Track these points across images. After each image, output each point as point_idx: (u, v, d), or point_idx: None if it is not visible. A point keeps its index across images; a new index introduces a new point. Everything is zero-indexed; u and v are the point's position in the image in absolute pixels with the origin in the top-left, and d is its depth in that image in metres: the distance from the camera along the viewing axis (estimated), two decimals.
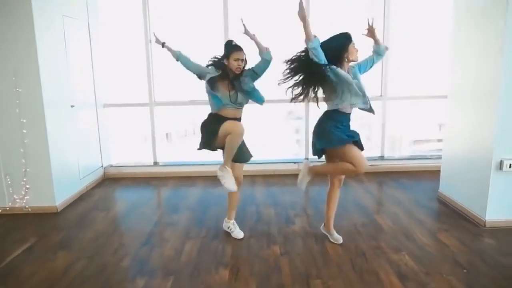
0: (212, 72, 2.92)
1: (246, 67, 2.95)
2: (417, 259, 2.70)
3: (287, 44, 4.75)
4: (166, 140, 5.82)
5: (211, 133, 2.89)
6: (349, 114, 2.77)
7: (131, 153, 5.31)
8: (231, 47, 2.88)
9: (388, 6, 4.75)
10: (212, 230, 3.29)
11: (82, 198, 4.22)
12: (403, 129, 5.36)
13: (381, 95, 4.93)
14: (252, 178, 4.73)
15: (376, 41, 2.83)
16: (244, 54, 2.89)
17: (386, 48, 2.88)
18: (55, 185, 3.82)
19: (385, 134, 5.00)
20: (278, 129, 6.02)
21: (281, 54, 2.88)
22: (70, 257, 2.90)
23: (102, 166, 4.94)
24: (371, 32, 2.81)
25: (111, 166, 5.08)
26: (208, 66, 2.99)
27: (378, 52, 2.85)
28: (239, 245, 3.00)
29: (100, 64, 4.90)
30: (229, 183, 2.91)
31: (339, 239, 2.98)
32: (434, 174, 4.38)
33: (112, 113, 5.11)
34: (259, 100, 2.95)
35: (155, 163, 5.07)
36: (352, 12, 4.97)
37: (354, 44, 2.69)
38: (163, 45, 3.10)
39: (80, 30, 4.46)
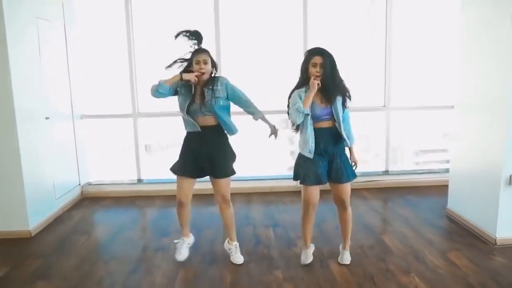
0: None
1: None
2: (428, 282, 2.84)
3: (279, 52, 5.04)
4: (146, 152, 5.88)
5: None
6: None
7: (112, 169, 5.34)
8: (193, 52, 3.00)
9: (390, 11, 4.96)
10: (208, 255, 3.36)
11: (58, 220, 4.23)
12: (407, 140, 5.57)
13: (384, 106, 5.12)
14: (248, 196, 4.83)
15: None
16: (208, 55, 2.98)
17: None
18: (29, 206, 3.80)
19: (389, 147, 5.18)
20: (271, 141, 6.15)
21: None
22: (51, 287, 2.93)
23: (79, 184, 4.96)
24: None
25: (90, 184, 5.09)
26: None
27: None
28: (238, 271, 3.08)
29: (78, 71, 4.94)
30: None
31: (347, 260, 3.13)
32: (441, 189, 4.56)
33: (90, 125, 5.15)
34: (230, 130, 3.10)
35: (139, 181, 5.12)
36: (352, 17, 5.19)
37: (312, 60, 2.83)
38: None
39: (56, 33, 4.51)
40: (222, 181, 3.11)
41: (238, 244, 3.28)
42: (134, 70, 4.98)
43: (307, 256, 3.12)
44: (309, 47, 4.82)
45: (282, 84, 5.11)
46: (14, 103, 3.66)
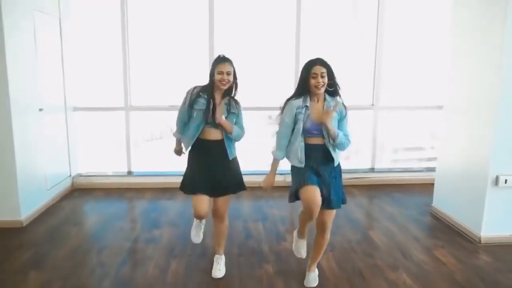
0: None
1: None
2: (415, 278, 2.87)
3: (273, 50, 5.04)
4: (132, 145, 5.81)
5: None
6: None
7: (102, 161, 5.28)
8: (215, 61, 2.74)
9: (382, 12, 4.99)
10: (199, 248, 3.32)
11: (49, 211, 4.16)
12: (394, 139, 5.61)
13: (372, 105, 5.16)
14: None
15: None
16: (232, 66, 2.72)
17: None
18: (21, 196, 3.76)
19: (376, 145, 5.22)
20: (259, 136, 6.13)
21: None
22: (43, 278, 2.87)
23: (70, 176, 4.89)
24: None
25: (81, 175, 5.03)
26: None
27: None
28: (229, 264, 3.06)
29: (71, 63, 4.86)
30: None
31: (314, 281, 2.82)
32: (427, 187, 4.62)
33: (82, 118, 5.07)
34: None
35: (129, 173, 5.08)
36: (342, 19, 5.20)
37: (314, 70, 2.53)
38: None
39: (51, 26, 4.42)
40: (226, 198, 2.97)
41: (223, 257, 3.04)
42: (128, 63, 4.92)
43: (303, 246, 2.89)
44: (301, 45, 4.94)
45: (272, 82, 5.19)
46: (10, 94, 3.61)
